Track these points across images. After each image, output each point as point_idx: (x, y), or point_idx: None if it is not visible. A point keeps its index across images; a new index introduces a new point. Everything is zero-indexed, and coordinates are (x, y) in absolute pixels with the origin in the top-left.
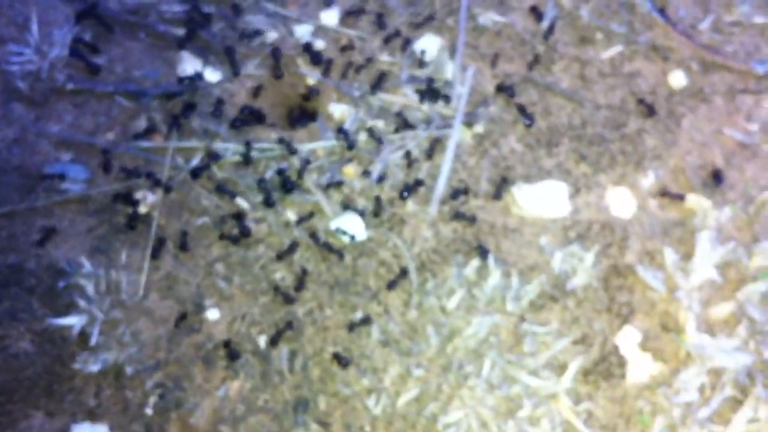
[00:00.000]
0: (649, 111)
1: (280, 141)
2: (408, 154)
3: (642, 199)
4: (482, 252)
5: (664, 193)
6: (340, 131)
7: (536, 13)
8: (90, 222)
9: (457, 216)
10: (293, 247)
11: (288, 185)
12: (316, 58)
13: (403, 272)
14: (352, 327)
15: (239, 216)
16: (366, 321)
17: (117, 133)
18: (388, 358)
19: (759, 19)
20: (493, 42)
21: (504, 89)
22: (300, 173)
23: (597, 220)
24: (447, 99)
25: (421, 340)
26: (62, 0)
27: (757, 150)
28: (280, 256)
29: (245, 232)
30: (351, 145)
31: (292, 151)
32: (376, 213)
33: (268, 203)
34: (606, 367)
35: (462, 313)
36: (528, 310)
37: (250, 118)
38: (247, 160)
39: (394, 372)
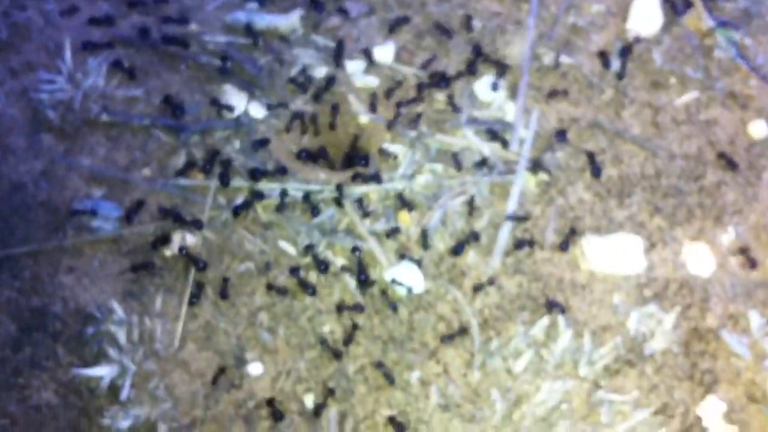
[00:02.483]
0: (731, 165)
1: (338, 188)
2: (469, 201)
3: (722, 257)
4: (552, 306)
5: (742, 252)
6: (392, 174)
7: (604, 58)
8: (122, 264)
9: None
10: (357, 306)
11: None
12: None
13: (463, 329)
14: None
15: (295, 269)
16: (399, 425)
17: (153, 169)
18: (448, 425)
19: None
20: (558, 84)
21: (557, 136)
22: (352, 219)
23: (674, 279)
24: (505, 143)
25: (485, 406)
26: (98, 26)
27: None
28: (339, 310)
29: (308, 287)
30: (406, 203)
31: (339, 201)
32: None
33: (314, 256)
34: None
35: (530, 377)
36: (602, 375)
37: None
38: (280, 207)
39: None
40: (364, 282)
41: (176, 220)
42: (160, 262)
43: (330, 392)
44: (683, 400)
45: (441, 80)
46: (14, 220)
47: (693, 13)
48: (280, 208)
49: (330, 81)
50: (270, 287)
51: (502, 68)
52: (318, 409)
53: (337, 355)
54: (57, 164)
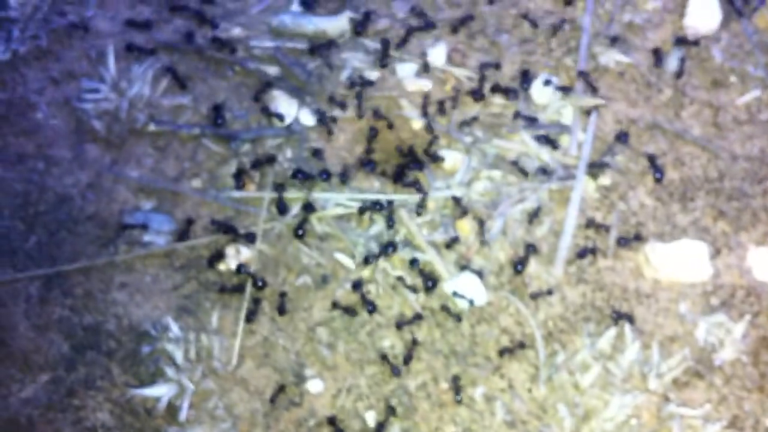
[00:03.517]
0: None
1: (387, 203)
2: (533, 210)
3: None
4: (619, 317)
5: None
6: (454, 198)
7: (658, 55)
8: (176, 279)
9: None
10: (417, 317)
11: (390, 246)
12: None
13: (521, 344)
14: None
15: (358, 284)
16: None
17: (204, 180)
18: None
19: None
20: (615, 84)
21: (619, 137)
22: (410, 229)
23: (741, 285)
24: (555, 145)
25: (552, 422)
26: (139, 30)
27: None
28: (399, 326)
29: (368, 304)
30: (464, 211)
31: (391, 221)
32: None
33: (367, 262)
34: None
35: (597, 391)
36: (671, 388)
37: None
38: (299, 234)
39: None
40: (430, 289)
41: (229, 233)
42: (215, 277)
43: (391, 410)
44: (753, 412)
45: (496, 84)
46: (62, 234)
47: (761, 9)
48: (299, 234)
49: (377, 111)
50: (335, 305)
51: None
52: (380, 428)
53: (395, 373)
54: (104, 176)
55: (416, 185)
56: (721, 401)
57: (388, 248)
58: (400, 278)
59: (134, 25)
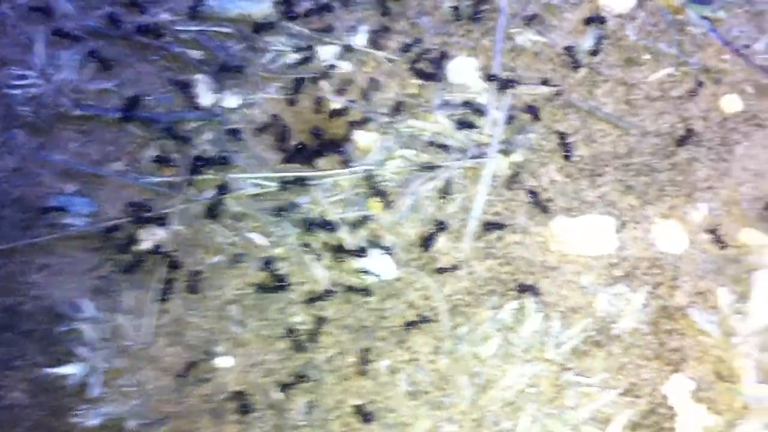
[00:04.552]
0: (680, 140)
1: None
2: (443, 187)
3: (693, 234)
4: (524, 289)
5: (712, 231)
6: (367, 177)
7: (577, 35)
8: (93, 260)
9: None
10: (327, 294)
11: (305, 224)
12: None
13: (425, 318)
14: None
15: (269, 262)
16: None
17: (125, 163)
18: (416, 412)
19: None
20: (531, 64)
21: (530, 110)
22: (323, 208)
23: (644, 257)
24: (471, 125)
25: (453, 392)
26: (73, 20)
27: None
28: (310, 302)
29: (280, 281)
30: (373, 185)
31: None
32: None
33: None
34: (655, 420)
35: (498, 362)
36: (570, 357)
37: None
38: (212, 214)
39: (422, 427)
40: (340, 266)
41: (145, 215)
42: (131, 258)
43: (301, 378)
44: (651, 380)
45: (414, 63)
46: None
47: None
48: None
49: (303, 68)
50: (261, 288)
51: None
52: (284, 389)
53: (300, 349)
54: (30, 160)
55: (333, 165)
56: (620, 369)
57: (303, 227)
58: (312, 255)
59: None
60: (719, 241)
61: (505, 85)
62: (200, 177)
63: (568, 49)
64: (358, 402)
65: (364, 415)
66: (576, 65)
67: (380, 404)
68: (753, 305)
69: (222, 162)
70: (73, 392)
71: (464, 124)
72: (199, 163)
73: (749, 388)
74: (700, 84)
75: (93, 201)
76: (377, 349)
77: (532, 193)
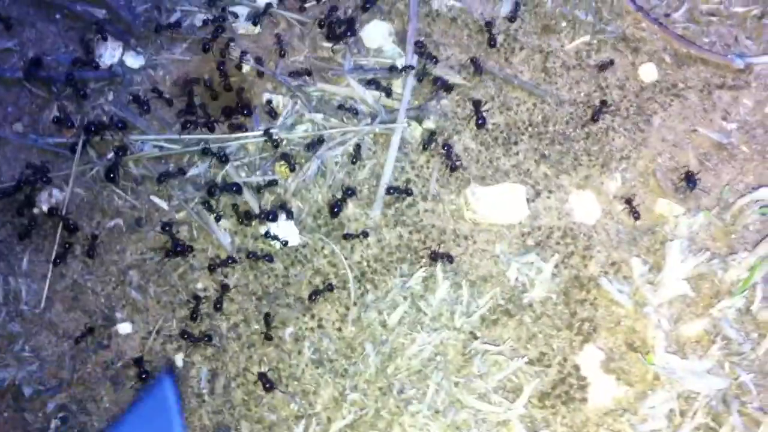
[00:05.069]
0: (594, 113)
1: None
2: (352, 151)
3: (608, 204)
4: (437, 257)
5: (627, 202)
6: (266, 133)
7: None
8: None
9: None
10: (230, 260)
11: (212, 186)
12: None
13: (330, 286)
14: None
15: (168, 225)
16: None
17: (25, 124)
18: (320, 380)
19: (738, 9)
20: (448, 29)
21: (474, 62)
22: (228, 172)
23: (558, 227)
24: (389, 91)
25: (359, 360)
26: None
27: (734, 151)
28: (212, 268)
29: (179, 246)
30: (276, 145)
31: (214, 153)
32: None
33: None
34: (565, 390)
35: (405, 330)
36: (479, 326)
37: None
38: (110, 177)
39: (326, 395)
40: (244, 230)
41: (42, 177)
42: (28, 221)
43: (208, 338)
44: (561, 349)
45: (327, 26)
46: None
47: None
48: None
49: (217, 30)
50: (168, 253)
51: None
52: (187, 347)
53: (193, 318)
54: None
55: (239, 128)
56: (530, 339)
57: (206, 190)
58: (215, 218)
59: None
60: (634, 212)
61: (428, 57)
62: (99, 139)
63: (488, 26)
64: (262, 370)
65: (266, 381)
66: (493, 44)
67: (284, 372)
68: (665, 275)
69: (121, 125)
70: None
71: (376, 87)
72: (98, 126)
73: (660, 359)
74: (611, 62)
75: None
76: (282, 315)
77: (447, 146)
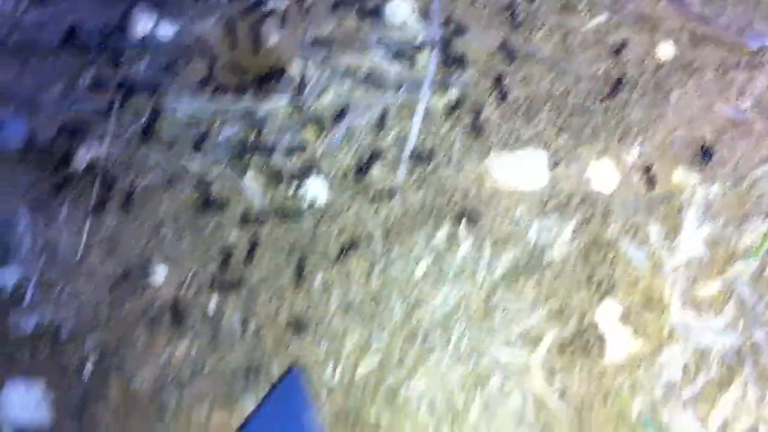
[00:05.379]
0: (612, 90)
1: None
2: (377, 120)
3: (626, 174)
4: (462, 215)
5: (645, 171)
6: (293, 99)
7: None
8: (30, 178)
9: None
10: (261, 216)
11: (241, 149)
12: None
13: (354, 243)
14: None
15: (201, 184)
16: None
17: (61, 89)
18: (348, 326)
19: None
20: (469, 7)
21: (504, 46)
22: (259, 135)
23: (577, 193)
24: (412, 63)
25: (384, 309)
26: None
27: (748, 127)
28: (243, 223)
29: (212, 203)
30: (303, 111)
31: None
32: None
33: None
34: (583, 342)
35: (429, 284)
36: (500, 282)
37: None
38: (145, 137)
39: (353, 340)
40: (274, 190)
41: (80, 136)
42: (66, 177)
43: (238, 284)
44: (580, 304)
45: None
46: None
47: None
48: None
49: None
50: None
51: None
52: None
53: (222, 273)
54: None
55: (269, 95)
56: (550, 294)
57: (237, 151)
58: (246, 178)
59: None
60: (651, 181)
61: (455, 31)
62: (133, 102)
63: (509, 8)
64: (291, 315)
65: (296, 325)
66: (517, 25)
67: (313, 318)
68: (681, 240)
69: (154, 90)
70: (7, 298)
71: (400, 60)
72: (132, 89)
73: (676, 316)
74: (624, 44)
75: (29, 123)
76: (310, 267)
77: (475, 113)
